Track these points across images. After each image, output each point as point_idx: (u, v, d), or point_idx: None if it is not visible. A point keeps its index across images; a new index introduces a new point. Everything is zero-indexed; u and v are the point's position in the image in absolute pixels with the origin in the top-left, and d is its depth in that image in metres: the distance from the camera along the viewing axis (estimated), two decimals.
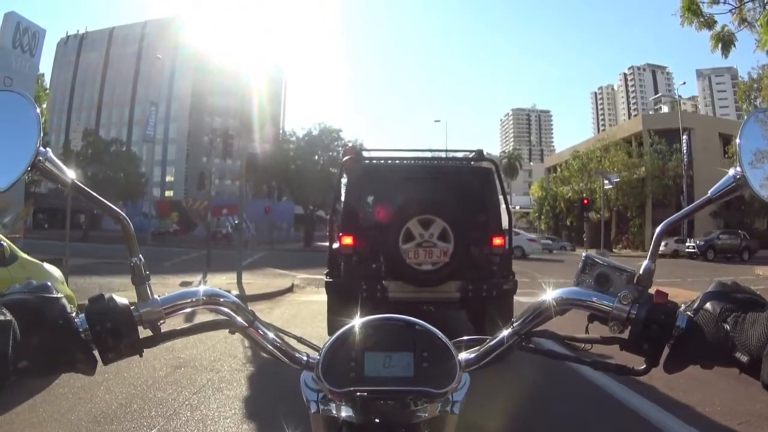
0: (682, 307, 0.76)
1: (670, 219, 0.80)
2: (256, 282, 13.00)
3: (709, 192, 0.76)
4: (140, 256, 0.76)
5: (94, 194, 0.75)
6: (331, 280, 5.78)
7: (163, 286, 10.93)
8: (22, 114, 0.71)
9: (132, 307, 0.74)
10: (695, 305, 0.75)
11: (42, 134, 0.69)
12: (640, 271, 0.78)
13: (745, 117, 0.75)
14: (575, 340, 0.83)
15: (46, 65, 78.32)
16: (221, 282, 12.27)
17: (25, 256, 5.25)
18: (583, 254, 0.84)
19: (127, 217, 0.77)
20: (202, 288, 0.80)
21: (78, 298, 5.07)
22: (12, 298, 0.69)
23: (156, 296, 0.77)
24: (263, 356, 0.85)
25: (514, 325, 0.82)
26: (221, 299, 0.80)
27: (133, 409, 3.90)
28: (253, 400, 4.29)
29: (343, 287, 5.56)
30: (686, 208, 0.80)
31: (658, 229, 0.79)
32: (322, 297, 6.79)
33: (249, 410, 4.01)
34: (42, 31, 17.98)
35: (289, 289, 12.11)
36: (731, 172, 0.74)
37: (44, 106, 32.28)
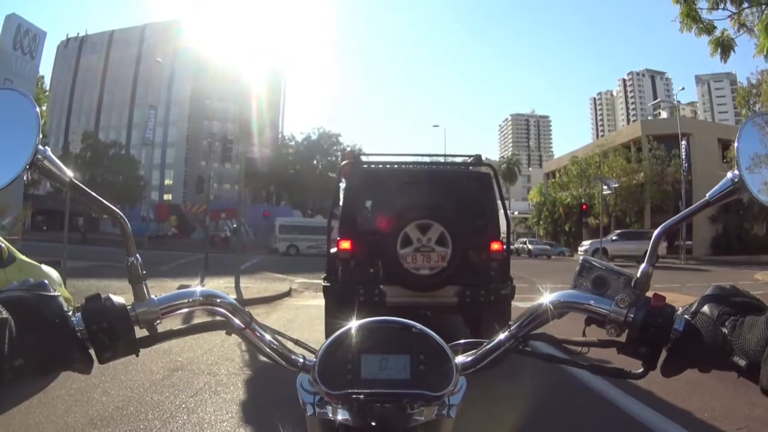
0: (680, 310, 0.76)
1: (669, 221, 0.80)
2: (254, 286, 12.98)
3: (708, 195, 0.76)
4: (137, 255, 0.76)
5: (92, 193, 0.75)
6: (329, 284, 5.76)
7: (161, 290, 10.83)
8: (22, 112, 0.71)
9: (128, 307, 0.74)
10: (693, 308, 0.74)
11: (41, 133, 0.69)
12: (638, 275, 0.78)
13: (744, 120, 0.76)
14: (572, 343, 0.82)
15: (46, 68, 78.42)
16: (219, 286, 12.23)
17: (23, 257, 5.24)
18: (581, 257, 0.84)
19: (124, 217, 0.77)
20: (198, 288, 0.80)
21: (76, 300, 5.05)
22: (8, 295, 0.68)
23: (153, 296, 0.76)
24: (260, 360, 0.85)
25: (511, 328, 0.82)
26: (218, 300, 0.80)
27: (129, 412, 3.88)
28: (250, 403, 4.27)
29: (341, 292, 5.56)
30: (685, 211, 0.80)
31: (656, 232, 0.78)
32: (319, 301, 6.78)
33: (246, 414, 3.99)
34: (42, 34, 18.00)
35: (287, 294, 12.11)
36: (729, 175, 0.74)
37: (44, 108, 32.35)
